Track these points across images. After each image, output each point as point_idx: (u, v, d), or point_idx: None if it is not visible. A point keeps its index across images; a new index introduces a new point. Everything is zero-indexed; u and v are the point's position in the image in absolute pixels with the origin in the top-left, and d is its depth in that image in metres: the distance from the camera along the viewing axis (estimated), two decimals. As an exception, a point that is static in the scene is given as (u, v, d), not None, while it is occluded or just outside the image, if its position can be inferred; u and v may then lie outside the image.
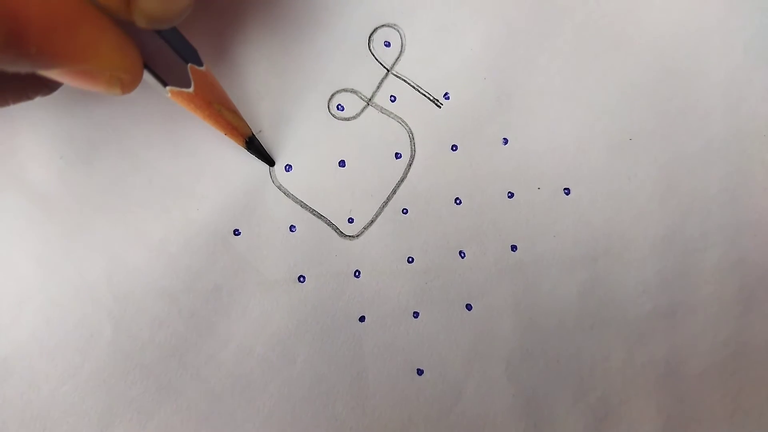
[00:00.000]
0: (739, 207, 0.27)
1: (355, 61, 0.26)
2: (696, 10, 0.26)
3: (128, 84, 0.19)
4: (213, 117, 0.23)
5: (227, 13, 0.25)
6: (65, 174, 0.25)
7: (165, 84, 0.21)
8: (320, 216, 0.26)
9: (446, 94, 0.26)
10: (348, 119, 0.26)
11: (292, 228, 0.26)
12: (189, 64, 0.21)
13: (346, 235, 0.26)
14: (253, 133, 0.25)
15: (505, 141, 0.26)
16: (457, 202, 0.26)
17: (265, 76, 0.25)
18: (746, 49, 0.27)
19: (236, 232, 0.26)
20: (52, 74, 0.17)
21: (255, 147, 0.25)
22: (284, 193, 0.26)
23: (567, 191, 0.26)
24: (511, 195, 0.26)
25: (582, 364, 0.27)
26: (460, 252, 0.26)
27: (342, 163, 0.26)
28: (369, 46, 0.26)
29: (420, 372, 0.26)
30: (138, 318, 0.25)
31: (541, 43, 0.26)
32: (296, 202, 0.26)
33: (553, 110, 0.26)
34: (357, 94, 0.26)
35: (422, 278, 0.26)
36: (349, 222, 0.26)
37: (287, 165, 0.26)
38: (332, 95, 0.26)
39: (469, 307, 0.26)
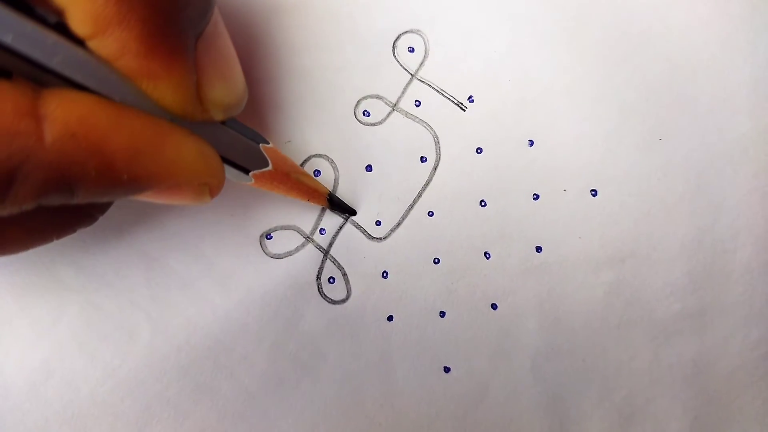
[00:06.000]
0: (771, 207, 0.25)
1: (380, 67, 0.25)
2: (720, 9, 0.25)
3: (216, 188, 0.18)
4: (295, 187, 0.22)
5: (254, 24, 0.24)
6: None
7: (247, 171, 0.20)
8: (349, 219, 0.25)
9: (471, 97, 0.25)
10: (374, 125, 0.25)
11: (321, 231, 0.25)
12: (260, 144, 0.20)
13: (374, 238, 0.25)
14: (330, 191, 0.24)
15: (531, 143, 0.25)
16: (482, 204, 0.25)
17: (294, 85, 0.24)
18: (769, 48, 0.25)
19: (268, 236, 0.25)
20: (142, 196, 0.16)
21: (336, 203, 0.24)
22: (313, 198, 0.25)
23: (594, 192, 0.25)
24: (536, 197, 0.25)
25: (607, 364, 0.25)
26: (486, 253, 0.25)
27: (369, 168, 0.25)
28: (393, 53, 0.25)
29: (447, 370, 0.25)
30: (174, 320, 0.24)
31: (566, 43, 0.25)
32: (325, 207, 0.25)
33: (579, 111, 0.25)
34: (382, 100, 0.25)
35: (448, 278, 0.25)
36: (377, 225, 0.25)
37: (316, 170, 0.25)
38: (358, 101, 0.25)
39: (494, 306, 0.25)
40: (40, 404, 0.24)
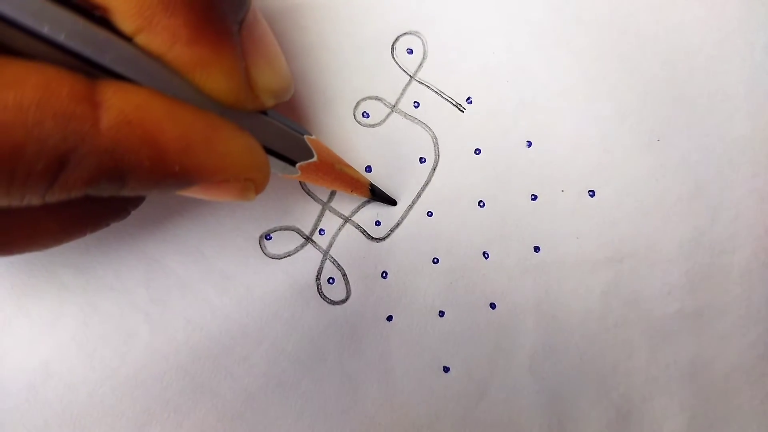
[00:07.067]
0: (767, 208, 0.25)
1: (379, 69, 0.25)
2: (716, 10, 0.25)
3: (261, 183, 0.17)
4: (339, 178, 0.22)
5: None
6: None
7: (294, 163, 0.19)
8: (348, 220, 0.25)
9: (469, 98, 0.25)
10: (373, 126, 0.25)
11: (321, 232, 0.25)
12: (305, 135, 0.20)
13: (374, 238, 0.25)
14: (371, 181, 0.24)
15: (529, 144, 0.25)
16: (481, 204, 0.25)
17: (293, 87, 0.24)
18: (765, 49, 0.25)
19: (267, 237, 0.25)
20: (188, 191, 0.16)
21: (377, 193, 0.24)
22: (313, 198, 0.25)
23: (592, 193, 0.25)
24: (534, 197, 0.25)
25: (605, 362, 0.25)
26: (484, 253, 0.25)
27: (368, 169, 0.25)
28: (392, 54, 0.25)
29: (446, 369, 0.25)
30: (174, 320, 0.24)
31: (564, 44, 0.25)
32: (325, 207, 0.25)
33: (577, 111, 0.25)
34: (382, 101, 0.25)
35: (447, 278, 0.25)
36: (376, 225, 0.25)
37: (316, 171, 0.25)
38: (358, 103, 0.25)
39: (493, 306, 0.25)
40: (39, 405, 0.24)
